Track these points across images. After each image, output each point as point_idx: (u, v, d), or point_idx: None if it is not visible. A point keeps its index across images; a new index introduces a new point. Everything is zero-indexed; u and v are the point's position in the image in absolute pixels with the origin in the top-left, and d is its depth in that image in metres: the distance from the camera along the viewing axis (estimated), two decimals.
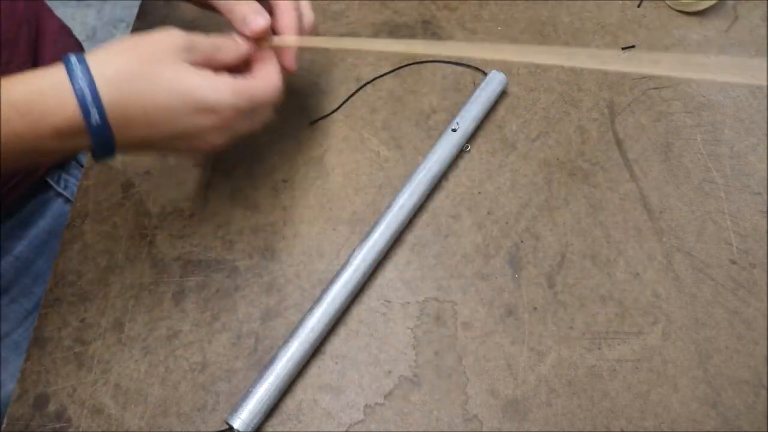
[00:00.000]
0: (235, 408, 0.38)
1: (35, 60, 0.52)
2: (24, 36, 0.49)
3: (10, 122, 0.29)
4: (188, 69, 0.33)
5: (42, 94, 0.30)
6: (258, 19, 0.38)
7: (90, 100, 0.30)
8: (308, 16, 0.43)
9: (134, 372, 0.41)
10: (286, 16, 0.40)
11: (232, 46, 0.37)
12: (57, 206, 0.56)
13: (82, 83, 0.30)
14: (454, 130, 0.48)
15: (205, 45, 0.35)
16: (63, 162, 0.57)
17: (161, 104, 0.32)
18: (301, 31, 0.42)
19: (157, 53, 0.32)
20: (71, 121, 0.30)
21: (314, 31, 0.44)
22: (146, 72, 0.31)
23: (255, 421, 0.38)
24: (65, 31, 0.59)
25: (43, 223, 0.55)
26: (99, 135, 0.31)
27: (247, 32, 0.38)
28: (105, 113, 0.31)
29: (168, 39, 0.33)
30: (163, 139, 0.34)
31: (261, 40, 0.39)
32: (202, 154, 0.50)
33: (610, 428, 0.39)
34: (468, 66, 0.55)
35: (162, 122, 0.33)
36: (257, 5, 0.39)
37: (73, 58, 0.31)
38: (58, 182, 0.56)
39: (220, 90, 0.34)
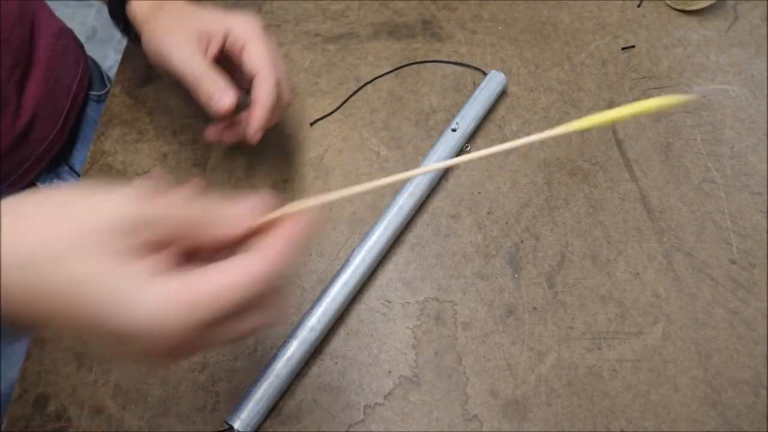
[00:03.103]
0: (235, 408, 0.38)
1: (29, 61, 0.52)
2: (17, 37, 0.49)
3: None
4: (106, 268, 0.21)
5: None
6: (224, 98, 0.36)
7: None
8: (287, 93, 0.41)
9: (134, 372, 0.41)
10: (264, 86, 0.38)
11: (218, 228, 0.24)
12: None
13: None
14: (454, 130, 0.48)
15: (167, 226, 0.23)
16: (54, 167, 0.57)
17: (73, 319, 0.22)
18: (278, 107, 0.41)
19: (76, 242, 0.21)
20: None
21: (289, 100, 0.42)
22: (57, 267, 0.21)
23: (255, 421, 0.38)
24: (66, 32, 0.59)
25: None
26: None
27: (212, 111, 0.37)
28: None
29: (105, 218, 0.22)
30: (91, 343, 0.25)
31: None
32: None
33: (610, 428, 0.39)
34: (468, 66, 0.55)
35: (79, 334, 0.23)
36: (224, 82, 0.37)
37: None
38: (50, 186, 0.56)
39: (154, 308, 0.21)
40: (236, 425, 0.37)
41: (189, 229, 0.24)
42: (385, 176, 0.27)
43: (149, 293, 0.21)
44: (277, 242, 0.24)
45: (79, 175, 0.58)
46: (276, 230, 0.25)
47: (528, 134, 0.51)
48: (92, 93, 0.62)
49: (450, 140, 0.48)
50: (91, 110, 0.62)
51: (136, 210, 0.22)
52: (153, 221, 0.22)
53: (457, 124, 0.49)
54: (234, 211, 0.25)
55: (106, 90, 0.64)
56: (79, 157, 0.59)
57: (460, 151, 0.50)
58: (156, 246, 0.23)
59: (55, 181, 0.57)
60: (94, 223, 0.21)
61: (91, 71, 0.63)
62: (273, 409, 0.40)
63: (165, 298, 0.21)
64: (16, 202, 0.22)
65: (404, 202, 0.45)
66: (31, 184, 0.55)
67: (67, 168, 0.59)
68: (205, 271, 0.22)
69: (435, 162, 0.47)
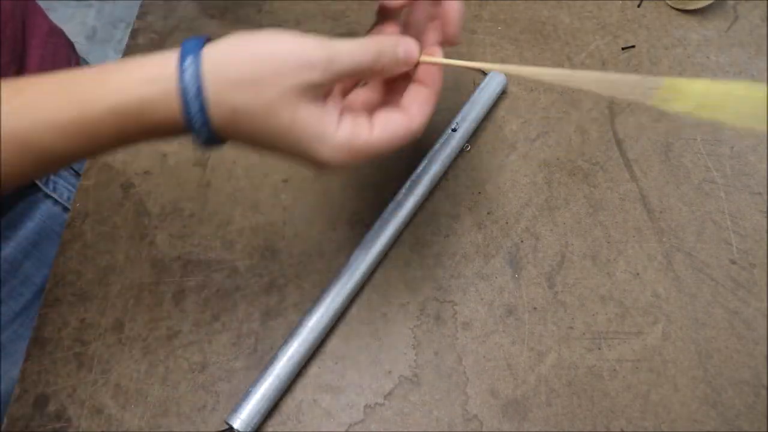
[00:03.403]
0: (235, 408, 0.38)
1: (21, 61, 0.52)
2: (8, 36, 0.49)
3: (115, 129, 0.29)
4: (307, 116, 0.29)
5: (149, 108, 0.29)
6: (410, 47, 0.33)
7: (200, 125, 0.29)
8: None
9: (134, 372, 0.41)
10: (454, 16, 0.35)
11: (383, 73, 0.32)
12: (45, 208, 0.56)
13: (193, 110, 0.28)
14: (454, 130, 0.48)
15: (345, 73, 0.30)
16: None
17: (269, 146, 0.31)
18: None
19: (281, 92, 0.28)
20: (178, 130, 0.30)
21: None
22: (261, 114, 0.29)
23: (255, 421, 0.38)
24: (57, 33, 0.59)
25: (31, 225, 0.55)
26: (203, 145, 0.31)
27: (408, 66, 0.33)
28: (213, 136, 0.30)
29: (299, 75, 0.28)
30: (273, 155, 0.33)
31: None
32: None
33: (610, 428, 0.39)
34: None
35: (269, 152, 0.32)
36: (393, 34, 0.34)
37: (185, 80, 0.28)
38: (46, 184, 0.56)
39: (334, 148, 0.30)
40: (236, 425, 0.37)
41: (365, 72, 0.31)
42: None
43: (335, 138, 0.30)
44: (419, 104, 0.33)
45: (75, 171, 0.58)
46: (415, 91, 0.33)
47: (527, 135, 0.51)
48: None
49: (450, 140, 0.48)
50: None
51: (328, 61, 0.29)
52: (342, 70, 0.29)
53: (457, 124, 0.49)
54: (400, 54, 0.31)
55: None
56: None
57: (461, 151, 0.50)
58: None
59: (52, 177, 0.57)
60: (304, 79, 0.28)
61: None
62: (273, 409, 0.40)
63: (344, 144, 0.30)
64: (234, 61, 0.29)
65: (404, 202, 0.45)
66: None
67: None
68: (370, 126, 0.31)
69: (436, 161, 0.47)
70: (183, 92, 0.28)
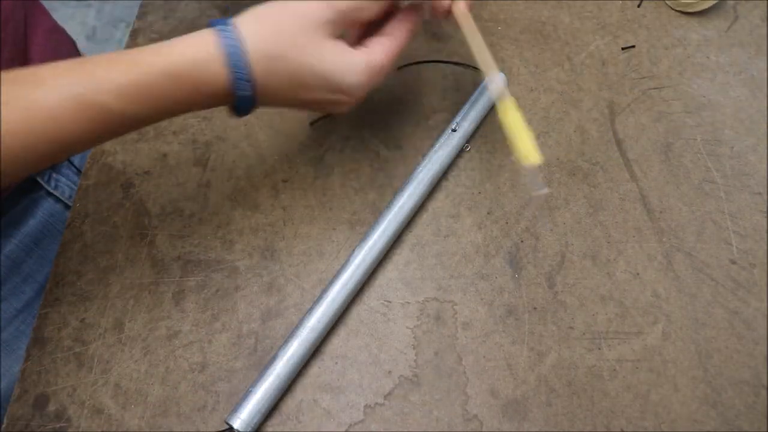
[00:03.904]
0: (235, 408, 0.38)
1: (24, 60, 0.52)
2: (10, 35, 0.49)
3: (169, 91, 0.34)
4: (330, 48, 0.36)
5: (198, 69, 0.34)
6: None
7: (243, 79, 0.34)
8: None
9: (134, 372, 0.41)
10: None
11: (373, 7, 0.38)
12: (47, 205, 0.56)
13: (238, 64, 0.34)
14: (454, 130, 0.48)
15: (347, 10, 0.36)
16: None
17: (303, 83, 0.36)
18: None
19: (304, 32, 0.35)
20: (223, 90, 0.35)
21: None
22: (293, 54, 0.35)
23: (255, 421, 0.38)
24: (59, 30, 0.59)
25: (33, 223, 0.55)
26: (244, 102, 0.36)
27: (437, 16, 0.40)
28: (254, 89, 0.35)
29: (313, 13, 0.35)
30: (298, 105, 0.39)
31: None
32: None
33: (610, 428, 0.39)
34: (468, 66, 0.55)
35: (300, 95, 0.37)
36: None
37: (225, 39, 0.34)
38: (48, 182, 0.56)
39: (357, 72, 0.37)
40: (236, 425, 0.37)
41: (371, 6, 0.37)
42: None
43: (358, 63, 0.37)
44: (400, 30, 0.39)
45: (77, 169, 0.58)
46: (397, 21, 0.40)
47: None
48: None
49: (450, 140, 0.48)
50: None
51: (328, 9, 0.35)
52: (347, 10, 0.36)
53: (457, 124, 0.49)
54: None
55: None
56: None
57: (461, 151, 0.50)
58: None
59: (54, 175, 0.57)
60: (318, 16, 0.35)
61: None
62: (273, 409, 0.40)
63: (365, 68, 0.37)
64: (261, 21, 0.35)
65: (404, 202, 0.45)
66: (31, 179, 0.55)
67: (65, 162, 0.59)
68: (376, 47, 0.38)
69: (436, 161, 0.47)
70: (227, 53, 0.33)
